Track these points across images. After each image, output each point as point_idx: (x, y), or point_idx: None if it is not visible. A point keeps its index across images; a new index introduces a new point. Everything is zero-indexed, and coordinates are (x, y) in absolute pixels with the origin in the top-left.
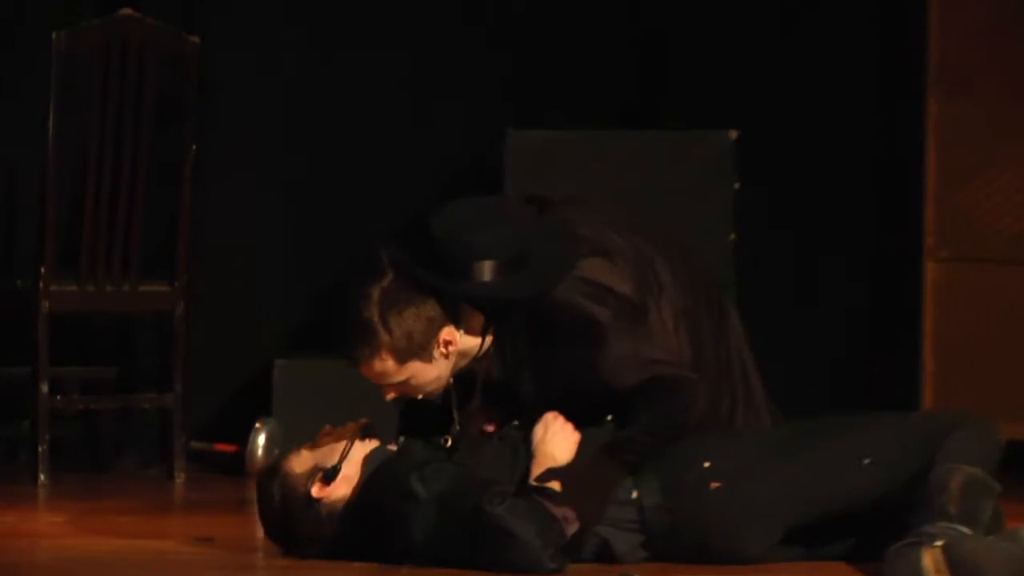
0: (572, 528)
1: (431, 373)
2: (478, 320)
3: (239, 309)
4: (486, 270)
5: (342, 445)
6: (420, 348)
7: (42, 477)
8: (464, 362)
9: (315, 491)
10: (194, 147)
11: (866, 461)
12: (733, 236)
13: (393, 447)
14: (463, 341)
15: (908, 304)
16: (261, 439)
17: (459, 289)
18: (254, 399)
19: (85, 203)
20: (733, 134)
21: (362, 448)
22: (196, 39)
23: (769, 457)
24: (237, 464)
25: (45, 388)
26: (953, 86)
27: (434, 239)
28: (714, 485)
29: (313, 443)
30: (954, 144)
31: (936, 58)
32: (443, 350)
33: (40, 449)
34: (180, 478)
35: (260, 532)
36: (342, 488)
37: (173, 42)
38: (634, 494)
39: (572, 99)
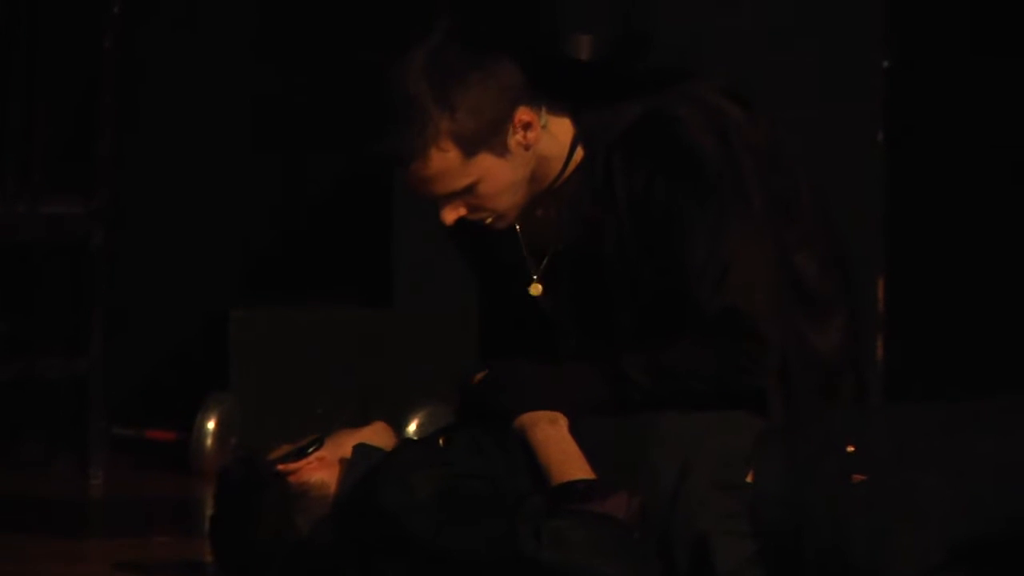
0: (634, 505)
1: (505, 176)
2: (565, 126)
3: (181, 240)
4: (584, 45)
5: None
6: (492, 131)
7: None
8: (539, 186)
9: (282, 465)
10: (116, 8)
11: None
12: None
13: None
14: (545, 140)
15: None
16: (211, 423)
17: (549, 47)
18: (201, 366)
19: None
20: None
21: (347, 436)
22: None
23: (935, 441)
24: (177, 458)
25: None
26: None
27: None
28: (857, 478)
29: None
30: None
31: None
32: (521, 137)
33: None
34: (98, 477)
35: (210, 556)
36: (319, 470)
37: None
38: (749, 476)
39: None
